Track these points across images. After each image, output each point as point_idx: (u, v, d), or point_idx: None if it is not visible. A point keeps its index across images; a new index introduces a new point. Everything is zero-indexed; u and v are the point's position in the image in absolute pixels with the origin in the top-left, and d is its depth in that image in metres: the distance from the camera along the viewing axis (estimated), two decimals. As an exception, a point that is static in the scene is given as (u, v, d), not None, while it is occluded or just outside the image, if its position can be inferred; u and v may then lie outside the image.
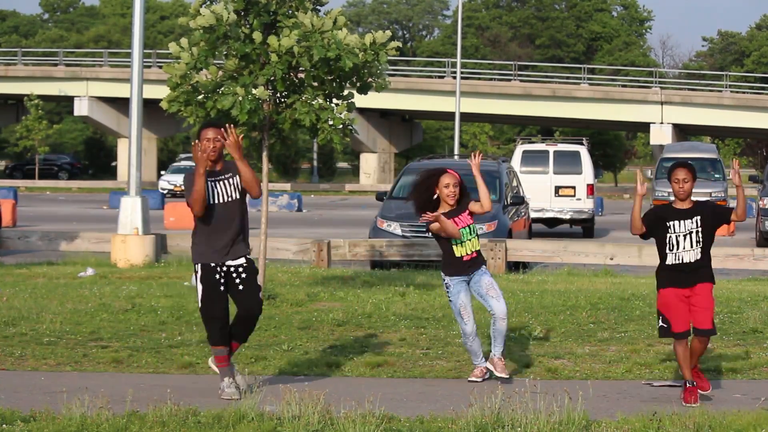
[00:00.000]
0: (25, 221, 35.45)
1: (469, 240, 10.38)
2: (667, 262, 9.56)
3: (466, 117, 72.57)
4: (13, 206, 34.98)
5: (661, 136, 66.98)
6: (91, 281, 17.83)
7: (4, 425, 8.21)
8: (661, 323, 9.65)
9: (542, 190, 32.26)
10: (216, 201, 9.52)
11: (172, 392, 9.35)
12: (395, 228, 21.42)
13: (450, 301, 10.49)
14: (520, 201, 23.72)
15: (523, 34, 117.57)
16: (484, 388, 9.12)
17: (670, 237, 9.52)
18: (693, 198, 9.69)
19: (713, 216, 9.55)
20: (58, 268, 19.77)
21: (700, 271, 9.52)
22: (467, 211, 10.43)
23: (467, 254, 10.37)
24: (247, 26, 14.44)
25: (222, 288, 9.47)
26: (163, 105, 14.58)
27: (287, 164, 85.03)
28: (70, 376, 10.40)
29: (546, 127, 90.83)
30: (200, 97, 14.45)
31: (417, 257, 20.20)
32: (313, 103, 14.56)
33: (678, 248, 9.49)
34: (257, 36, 14.15)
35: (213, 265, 9.47)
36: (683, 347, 9.55)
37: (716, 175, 37.71)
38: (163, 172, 66.54)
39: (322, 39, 14.01)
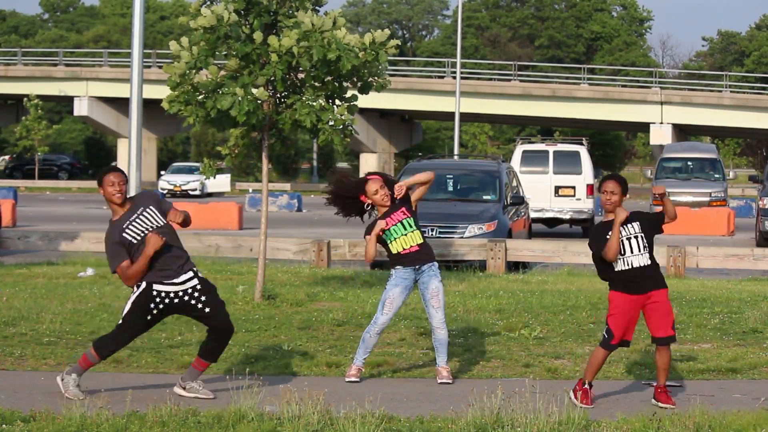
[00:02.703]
0: (25, 221, 35.44)
1: (404, 235, 10.36)
2: (616, 269, 9.36)
3: (466, 117, 72.56)
4: (13, 206, 34.96)
5: (661, 136, 66.98)
6: (91, 281, 17.83)
7: (4, 425, 8.21)
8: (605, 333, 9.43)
9: (542, 190, 32.27)
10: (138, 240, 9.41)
11: (172, 392, 9.36)
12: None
13: (386, 287, 10.48)
14: (520, 201, 23.73)
15: (522, 34, 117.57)
16: (484, 387, 9.12)
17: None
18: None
19: (648, 221, 9.38)
20: (58, 268, 19.77)
21: (656, 275, 9.36)
22: (402, 207, 10.37)
23: (404, 249, 10.36)
24: (248, 26, 14.44)
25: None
26: (164, 105, 14.58)
27: (287, 164, 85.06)
28: (70, 376, 10.39)
29: (546, 127, 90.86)
30: (200, 96, 14.44)
31: (417, 257, 20.16)
32: (314, 103, 14.56)
33: (625, 253, 9.30)
34: (257, 36, 14.16)
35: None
36: (607, 356, 9.42)
37: (716, 175, 37.70)
38: (163, 172, 66.55)
39: (322, 39, 14.01)
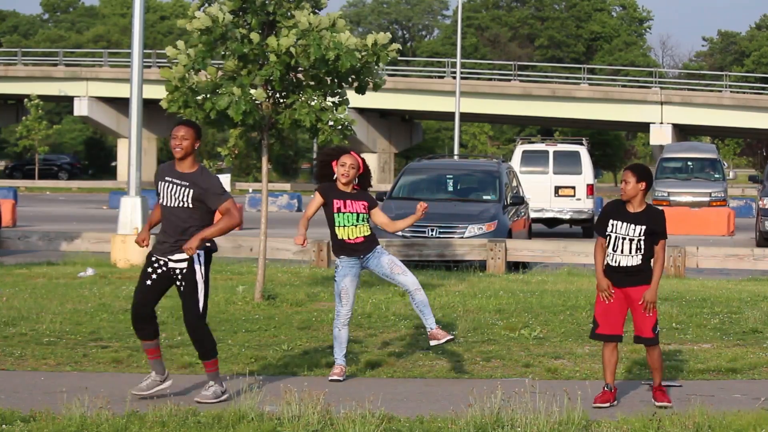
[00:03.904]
0: (25, 221, 35.44)
1: (355, 226, 10.47)
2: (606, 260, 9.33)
3: (466, 117, 72.58)
4: (13, 206, 34.96)
5: (661, 136, 67.00)
6: (91, 281, 17.83)
7: (4, 425, 8.21)
8: (591, 323, 9.42)
9: (542, 190, 32.26)
10: (164, 203, 9.47)
11: (171, 392, 9.36)
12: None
13: (335, 281, 10.56)
14: (520, 201, 23.73)
15: (522, 34, 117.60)
16: (484, 387, 9.13)
17: (610, 236, 9.28)
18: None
19: (653, 233, 9.20)
20: (58, 268, 19.77)
21: (640, 275, 9.26)
22: (365, 203, 10.50)
23: (350, 238, 10.46)
24: (245, 26, 14.44)
25: (148, 282, 9.49)
26: (163, 104, 14.59)
27: (287, 164, 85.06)
28: (70, 376, 10.40)
29: (546, 127, 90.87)
30: (199, 98, 14.44)
31: (417, 257, 20.19)
32: (313, 103, 14.56)
33: (616, 251, 9.25)
34: (255, 36, 14.16)
35: (153, 258, 9.52)
36: (609, 351, 9.37)
37: (716, 175, 37.68)
38: (163, 172, 66.48)
39: (320, 38, 14.02)
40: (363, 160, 10.70)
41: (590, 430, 8.27)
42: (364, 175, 10.63)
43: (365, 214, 10.52)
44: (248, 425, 8.22)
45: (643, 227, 9.20)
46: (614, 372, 9.40)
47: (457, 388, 9.98)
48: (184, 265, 9.39)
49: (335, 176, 10.57)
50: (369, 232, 10.53)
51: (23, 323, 13.08)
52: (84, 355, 11.36)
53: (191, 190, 9.36)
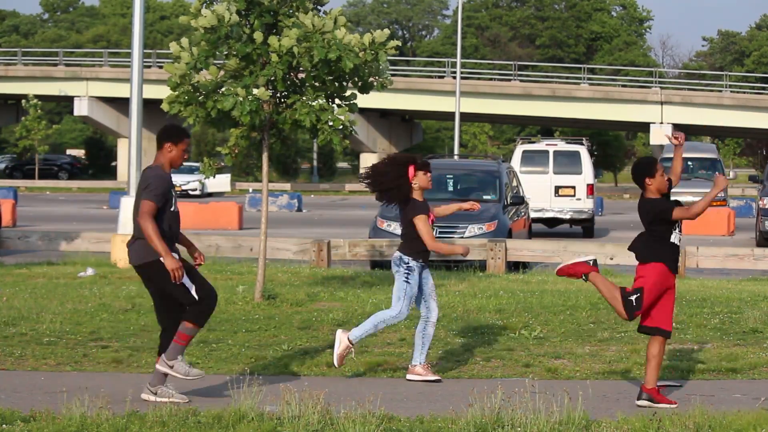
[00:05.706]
0: (25, 221, 35.45)
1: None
2: (671, 240, 9.52)
3: (466, 117, 72.59)
4: (13, 206, 34.96)
5: (661, 136, 67.01)
6: (91, 281, 17.82)
7: (4, 425, 8.22)
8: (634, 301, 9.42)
9: (542, 190, 32.27)
10: (174, 209, 10.02)
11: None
12: (395, 228, 21.38)
13: (408, 282, 10.39)
14: (520, 201, 23.72)
15: (523, 34, 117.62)
16: (484, 387, 9.13)
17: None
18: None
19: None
20: (58, 268, 19.76)
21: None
22: (432, 213, 10.62)
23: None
24: (248, 26, 14.44)
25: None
26: (164, 107, 14.57)
27: (287, 164, 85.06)
28: (70, 376, 10.40)
29: (546, 127, 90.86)
30: (201, 97, 14.44)
31: (417, 257, 20.17)
32: (314, 103, 14.55)
33: (676, 228, 9.56)
34: (258, 36, 14.15)
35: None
36: (664, 345, 9.42)
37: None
38: (163, 172, 66.32)
39: (323, 39, 14.01)
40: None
41: (590, 430, 8.27)
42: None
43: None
44: (248, 425, 8.22)
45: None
46: None
47: (457, 388, 9.98)
48: None
49: (412, 186, 10.43)
50: None
51: (23, 323, 13.08)
52: (84, 355, 11.37)
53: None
